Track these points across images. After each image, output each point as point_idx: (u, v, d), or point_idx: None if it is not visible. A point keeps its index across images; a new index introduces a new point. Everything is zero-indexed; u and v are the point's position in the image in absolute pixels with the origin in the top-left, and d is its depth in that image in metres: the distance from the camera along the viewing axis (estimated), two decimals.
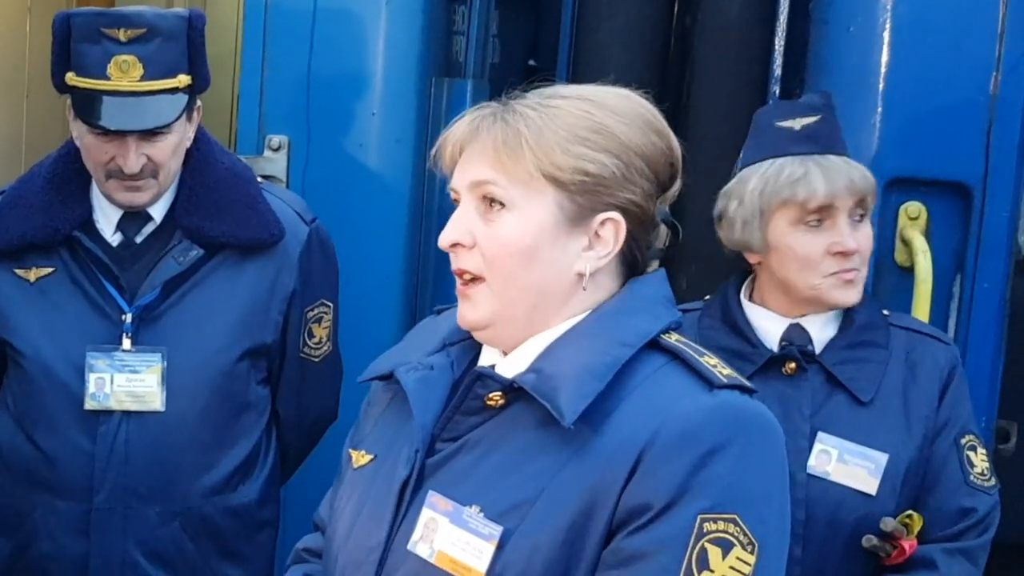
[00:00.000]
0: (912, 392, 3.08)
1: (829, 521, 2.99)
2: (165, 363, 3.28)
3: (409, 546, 2.05)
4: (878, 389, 3.06)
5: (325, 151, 4.08)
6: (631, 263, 2.12)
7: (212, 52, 4.73)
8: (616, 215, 2.05)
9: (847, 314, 3.12)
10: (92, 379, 3.27)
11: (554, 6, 4.73)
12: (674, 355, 2.05)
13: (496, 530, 1.98)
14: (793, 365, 3.07)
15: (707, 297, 3.24)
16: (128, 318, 3.28)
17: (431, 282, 4.20)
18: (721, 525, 1.91)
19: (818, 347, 3.09)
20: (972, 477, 3.05)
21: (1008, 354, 4.01)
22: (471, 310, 2.09)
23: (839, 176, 3.00)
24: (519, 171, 2.02)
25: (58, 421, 3.30)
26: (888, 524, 2.96)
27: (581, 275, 2.06)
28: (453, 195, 2.11)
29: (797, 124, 3.12)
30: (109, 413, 3.28)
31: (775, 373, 3.05)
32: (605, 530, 1.95)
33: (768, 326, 3.11)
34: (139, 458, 3.28)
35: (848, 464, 3.01)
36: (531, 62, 4.89)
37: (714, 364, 2.04)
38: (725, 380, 2.00)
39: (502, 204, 2.04)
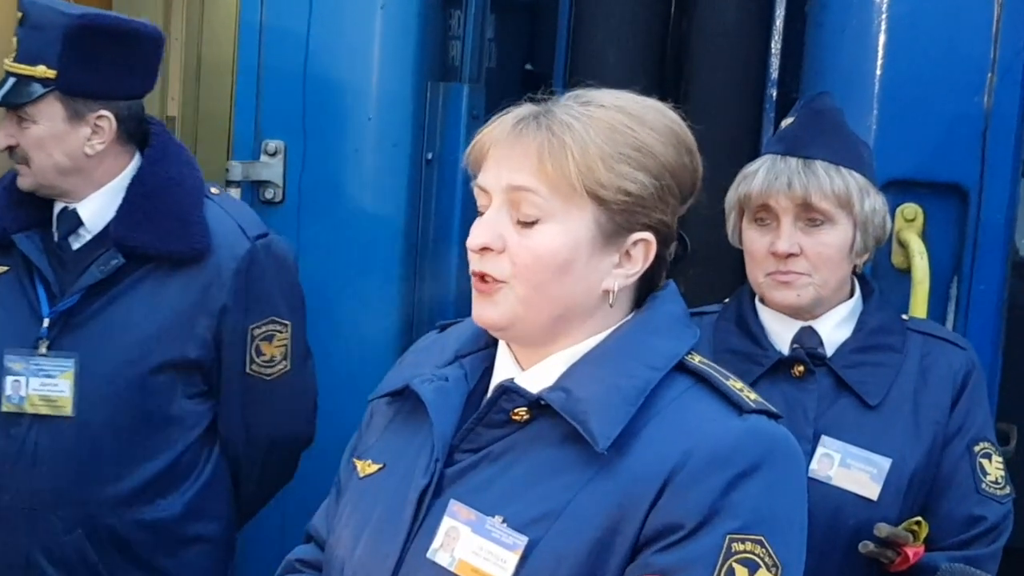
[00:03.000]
0: (923, 397, 3.05)
1: (828, 526, 2.95)
2: (78, 369, 3.28)
3: (428, 554, 2.04)
4: (887, 393, 3.03)
5: (321, 156, 4.08)
6: (649, 277, 2.12)
7: (208, 58, 4.72)
8: (648, 235, 2.05)
9: (861, 318, 3.11)
10: (8, 381, 3.29)
11: (550, 10, 4.73)
12: (700, 377, 2.06)
13: (521, 540, 1.98)
14: (801, 368, 3.05)
15: (726, 300, 3.24)
16: (46, 322, 3.29)
17: (428, 286, 4.20)
18: (748, 546, 1.93)
19: (829, 350, 3.07)
20: (984, 485, 3.03)
21: (1006, 356, 4.01)
22: (491, 309, 2.06)
23: (779, 177, 2.99)
24: (562, 184, 1.99)
25: None
26: (883, 530, 2.92)
27: (607, 292, 2.06)
28: (478, 193, 2.09)
29: (784, 123, 3.14)
30: (22, 415, 3.29)
31: (784, 375, 3.03)
32: (631, 546, 1.95)
33: (779, 328, 3.10)
34: (46, 462, 3.28)
35: (851, 469, 2.98)
36: (528, 66, 4.89)
37: (740, 388, 2.05)
38: (753, 405, 2.02)
39: (539, 214, 2.02)
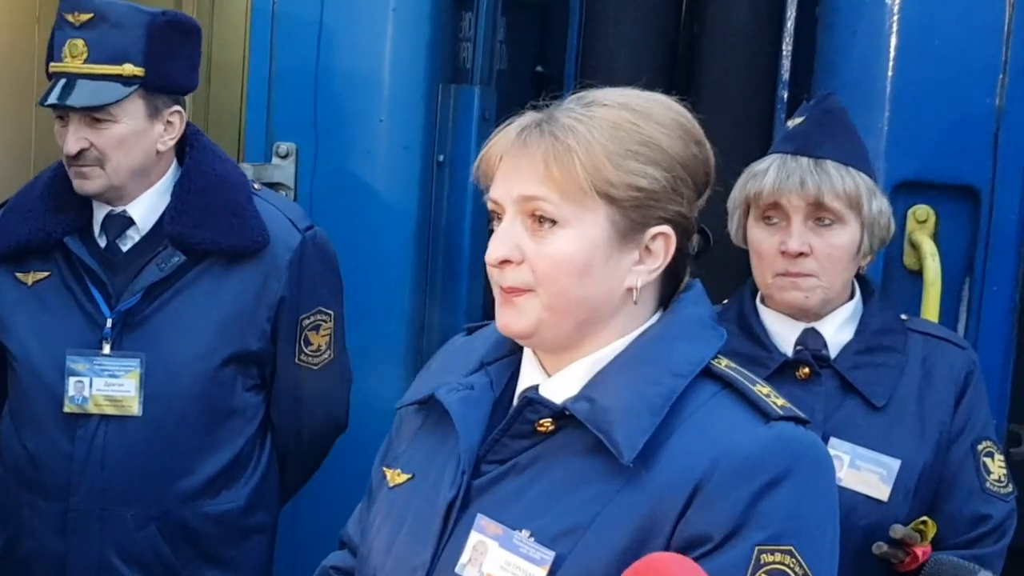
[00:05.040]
0: (927, 397, 3.05)
1: (840, 528, 2.95)
2: (143, 368, 3.31)
3: (457, 569, 2.04)
4: (892, 394, 3.04)
5: (333, 158, 4.08)
6: (673, 273, 2.11)
7: (219, 61, 4.73)
8: (667, 228, 2.04)
9: (863, 319, 3.10)
10: (71, 382, 3.31)
11: (562, 13, 4.73)
12: (726, 383, 2.04)
13: (548, 555, 1.97)
14: (807, 370, 3.05)
15: (725, 301, 3.23)
16: (109, 323, 3.31)
17: (439, 288, 4.20)
18: (778, 556, 1.91)
19: (833, 352, 3.07)
20: (988, 484, 3.03)
21: (1018, 357, 4.00)
22: (516, 318, 2.05)
23: (791, 176, 2.98)
24: (571, 188, 1.98)
25: (42, 422, 3.35)
26: (898, 531, 2.93)
27: (631, 289, 2.05)
28: (492, 206, 2.07)
29: (792, 123, 3.14)
30: (88, 416, 3.31)
31: (789, 378, 3.02)
32: None
33: (782, 330, 3.10)
34: (115, 462, 3.31)
35: (860, 470, 2.98)
36: (539, 68, 4.89)
37: (767, 394, 2.03)
38: (781, 412, 2.00)
39: (553, 221, 2.00)
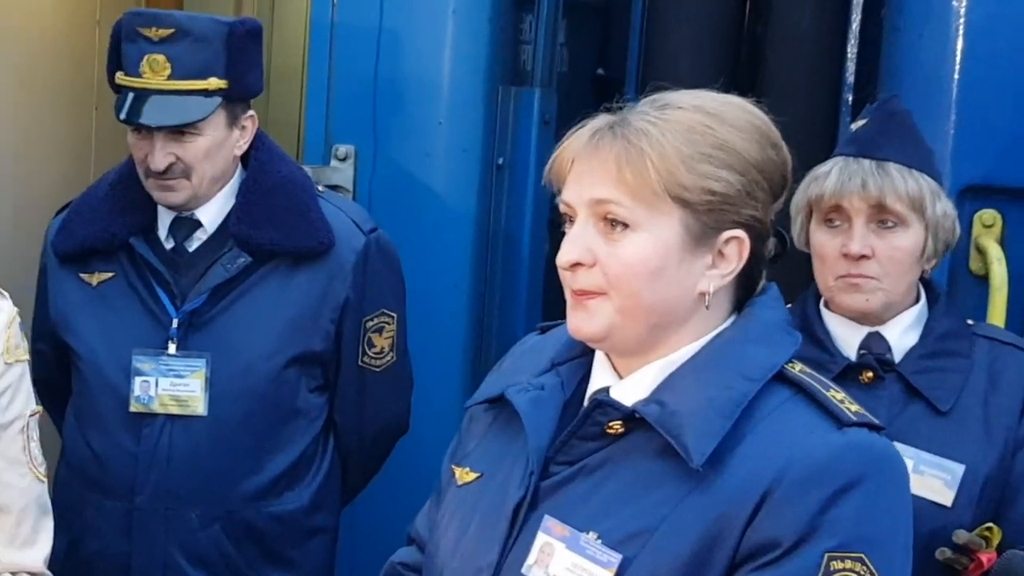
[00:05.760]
0: (993, 403, 3.01)
1: None
2: (209, 368, 3.33)
3: (523, 570, 2.04)
4: (958, 399, 3.00)
5: (391, 160, 4.08)
6: (748, 277, 2.09)
7: (279, 64, 4.75)
8: (740, 232, 2.02)
9: (928, 323, 3.08)
10: (137, 382, 3.34)
11: (623, 15, 4.71)
12: (799, 388, 2.03)
13: (615, 558, 1.96)
14: (870, 374, 3.02)
15: (788, 305, 3.20)
16: (175, 323, 3.34)
17: (498, 291, 4.19)
18: (848, 564, 1.90)
19: (897, 356, 3.04)
20: None
21: None
22: (587, 322, 2.04)
23: (853, 178, 2.96)
24: (644, 191, 1.97)
25: (107, 422, 3.37)
26: (961, 536, 2.90)
27: (704, 294, 2.03)
28: (564, 209, 2.06)
29: (855, 126, 3.12)
30: (153, 416, 3.34)
31: (852, 382, 2.97)
32: (728, 563, 1.93)
33: (846, 334, 3.07)
34: (181, 461, 3.33)
35: (924, 475, 2.95)
36: (599, 71, 4.87)
37: (840, 399, 2.01)
38: (854, 418, 1.98)
39: (625, 224, 1.99)
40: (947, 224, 3.04)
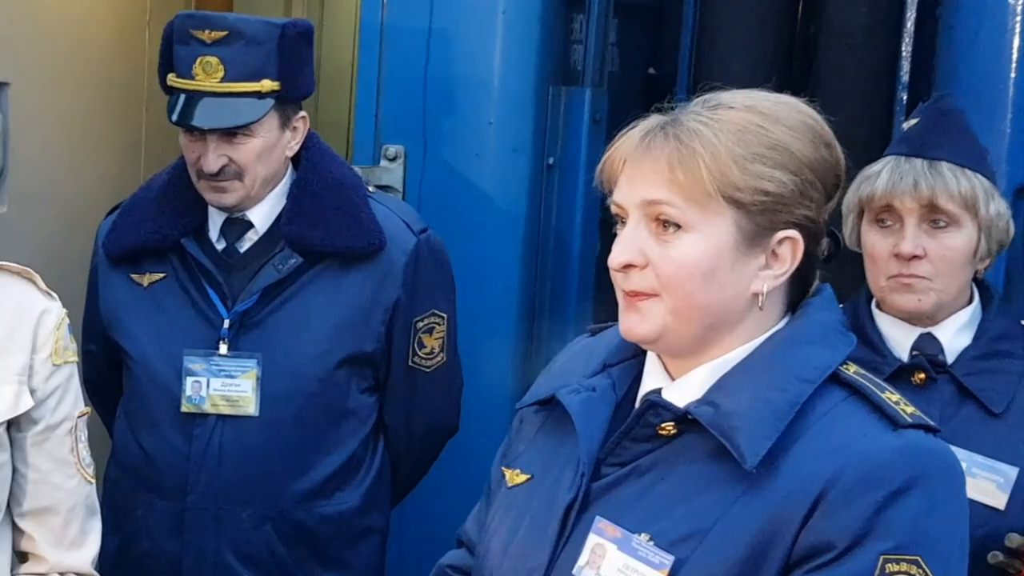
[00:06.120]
0: None
1: None
2: (260, 369, 3.33)
3: (574, 571, 2.03)
4: (1011, 401, 2.97)
5: (441, 160, 4.08)
6: (802, 277, 2.08)
7: (328, 65, 4.75)
8: (794, 233, 2.01)
9: (981, 324, 3.05)
10: (189, 382, 3.35)
11: (675, 15, 4.69)
12: (854, 389, 2.01)
13: (667, 559, 1.95)
14: (923, 375, 2.99)
15: (841, 306, 3.18)
16: (226, 324, 3.35)
17: (548, 292, 4.18)
18: (903, 566, 1.89)
19: (950, 357, 3.02)
20: None
21: None
22: (640, 323, 2.03)
23: (904, 178, 2.94)
24: (696, 192, 1.96)
25: (158, 422, 3.38)
26: (1014, 540, 2.88)
27: (757, 294, 2.02)
28: (615, 210, 2.05)
29: (907, 125, 3.10)
30: (204, 416, 3.35)
31: (904, 383, 2.95)
32: (781, 565, 1.92)
33: (898, 335, 3.05)
34: (232, 461, 3.34)
35: (976, 478, 2.92)
36: (651, 70, 4.86)
37: (896, 401, 2.00)
38: (910, 419, 1.97)
39: (677, 225, 1.98)
40: (1001, 224, 3.01)
